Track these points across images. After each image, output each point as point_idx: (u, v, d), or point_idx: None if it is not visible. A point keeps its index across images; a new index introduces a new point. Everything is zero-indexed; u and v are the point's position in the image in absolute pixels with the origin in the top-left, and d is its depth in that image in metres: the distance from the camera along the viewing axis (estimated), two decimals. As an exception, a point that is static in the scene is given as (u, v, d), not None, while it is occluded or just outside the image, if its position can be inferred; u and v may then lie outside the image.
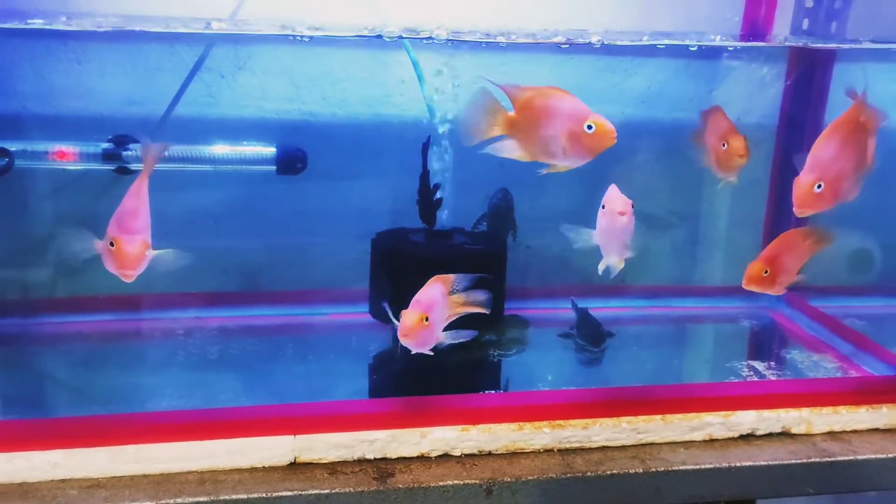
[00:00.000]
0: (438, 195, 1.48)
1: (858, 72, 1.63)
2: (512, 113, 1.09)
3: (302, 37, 1.34)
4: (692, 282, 1.87)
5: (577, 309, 1.61)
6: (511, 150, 1.11)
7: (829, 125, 1.15)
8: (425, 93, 1.47)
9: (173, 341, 1.49)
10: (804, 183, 1.12)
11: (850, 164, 1.13)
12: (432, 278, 1.15)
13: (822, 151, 1.13)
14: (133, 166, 1.42)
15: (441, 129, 1.49)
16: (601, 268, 1.21)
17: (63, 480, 1.07)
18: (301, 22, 1.31)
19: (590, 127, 1.05)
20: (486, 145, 1.10)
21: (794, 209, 1.13)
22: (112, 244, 1.06)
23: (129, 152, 1.39)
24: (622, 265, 1.21)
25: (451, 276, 1.16)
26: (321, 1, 1.39)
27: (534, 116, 1.08)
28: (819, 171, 1.12)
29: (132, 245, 1.06)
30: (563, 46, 1.48)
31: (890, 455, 1.23)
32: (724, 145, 1.33)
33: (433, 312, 1.10)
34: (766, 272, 1.24)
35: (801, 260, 1.28)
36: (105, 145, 1.39)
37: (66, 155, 1.37)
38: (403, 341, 1.09)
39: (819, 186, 1.11)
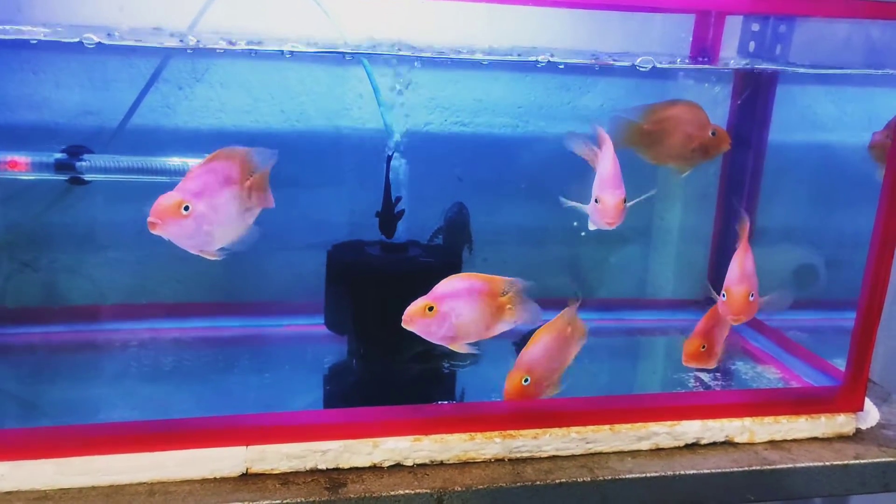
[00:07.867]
0: (400, 207, 1.50)
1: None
2: None
3: (258, 52, 1.35)
4: (644, 295, 1.91)
5: None
6: None
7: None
8: (382, 108, 1.49)
9: (127, 352, 1.48)
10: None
11: None
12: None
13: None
14: (87, 176, 1.41)
15: (397, 144, 1.50)
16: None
17: (9, 493, 1.06)
18: (259, 36, 1.32)
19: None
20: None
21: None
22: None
23: (83, 163, 1.39)
24: None
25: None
26: (279, 15, 1.40)
27: None
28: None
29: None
30: (535, 61, 1.51)
31: (827, 463, 1.27)
32: None
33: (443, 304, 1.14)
34: (703, 347, 1.31)
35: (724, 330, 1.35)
36: (58, 155, 1.38)
37: (19, 165, 1.35)
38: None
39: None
